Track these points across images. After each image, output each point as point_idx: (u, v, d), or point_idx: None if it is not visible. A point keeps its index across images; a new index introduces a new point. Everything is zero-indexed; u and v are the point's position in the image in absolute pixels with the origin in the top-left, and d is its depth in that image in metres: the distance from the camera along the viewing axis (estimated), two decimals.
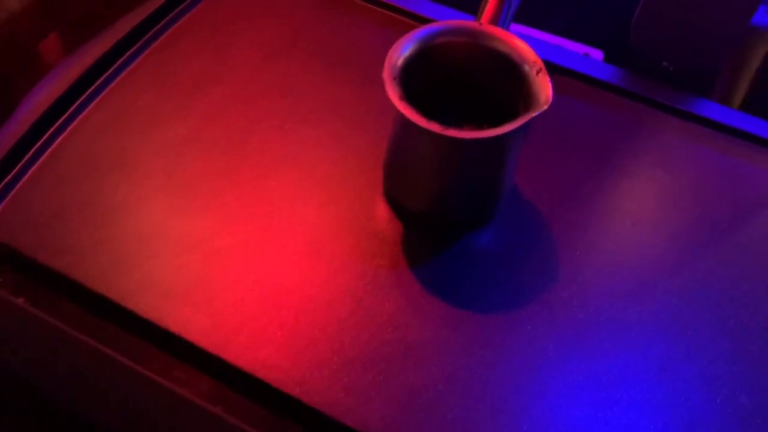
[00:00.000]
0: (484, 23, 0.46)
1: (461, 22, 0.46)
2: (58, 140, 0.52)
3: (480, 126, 0.49)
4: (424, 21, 0.62)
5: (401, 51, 0.43)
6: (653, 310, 0.47)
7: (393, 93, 0.42)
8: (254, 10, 0.61)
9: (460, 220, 0.49)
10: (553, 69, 0.60)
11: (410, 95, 0.45)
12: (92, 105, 0.54)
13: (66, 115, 0.53)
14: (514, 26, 0.82)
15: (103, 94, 0.55)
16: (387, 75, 0.43)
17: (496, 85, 0.47)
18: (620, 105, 0.58)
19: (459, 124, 0.49)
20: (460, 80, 0.48)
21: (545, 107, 0.42)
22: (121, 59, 0.56)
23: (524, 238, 0.50)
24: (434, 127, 0.41)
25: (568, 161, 0.54)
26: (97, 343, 0.45)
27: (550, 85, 0.42)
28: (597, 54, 0.80)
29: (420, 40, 0.44)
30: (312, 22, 0.61)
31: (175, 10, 0.60)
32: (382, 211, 0.50)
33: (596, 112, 0.58)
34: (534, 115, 0.41)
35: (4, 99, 0.56)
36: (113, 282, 0.46)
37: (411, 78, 0.45)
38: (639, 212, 0.52)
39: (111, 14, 0.64)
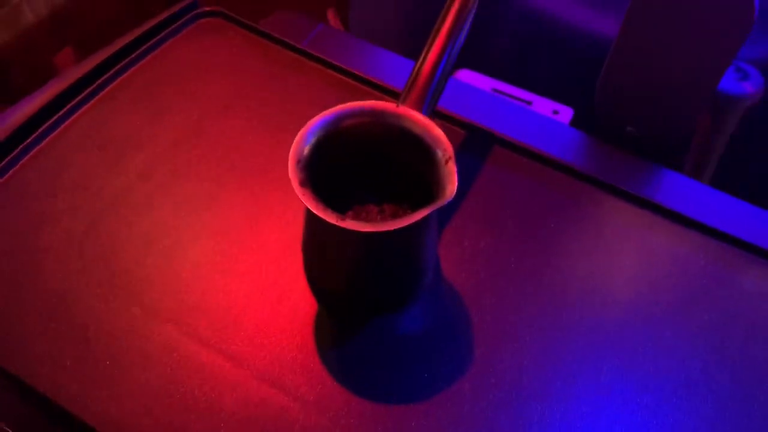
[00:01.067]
0: (401, 105, 0.45)
1: (374, 102, 0.44)
2: None
3: (401, 205, 0.48)
4: (378, 87, 0.61)
5: (306, 140, 0.42)
6: (575, 406, 0.45)
7: (294, 178, 0.41)
8: (198, 67, 0.61)
9: (376, 305, 0.47)
10: (502, 141, 0.58)
11: (323, 175, 0.43)
12: (22, 162, 0.54)
13: None
14: (489, 80, 0.80)
15: (34, 150, 0.55)
16: (291, 161, 0.41)
17: (413, 165, 0.45)
18: (566, 182, 0.56)
19: (379, 203, 0.48)
20: (378, 159, 0.46)
21: (448, 200, 0.40)
22: (55, 116, 0.56)
23: (443, 324, 0.48)
24: (330, 217, 0.39)
25: (501, 239, 0.52)
26: None
27: (455, 177, 0.41)
28: (566, 112, 0.78)
29: (326, 125, 0.43)
30: (256, 82, 0.60)
31: (112, 70, 0.59)
32: (300, 289, 0.49)
33: (540, 188, 0.56)
34: (435, 207, 0.40)
35: None
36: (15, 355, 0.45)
37: (324, 159, 0.44)
38: (571, 296, 0.50)
39: (121, 30, 0.64)
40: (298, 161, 0.42)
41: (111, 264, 0.49)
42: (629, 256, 0.53)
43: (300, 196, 0.40)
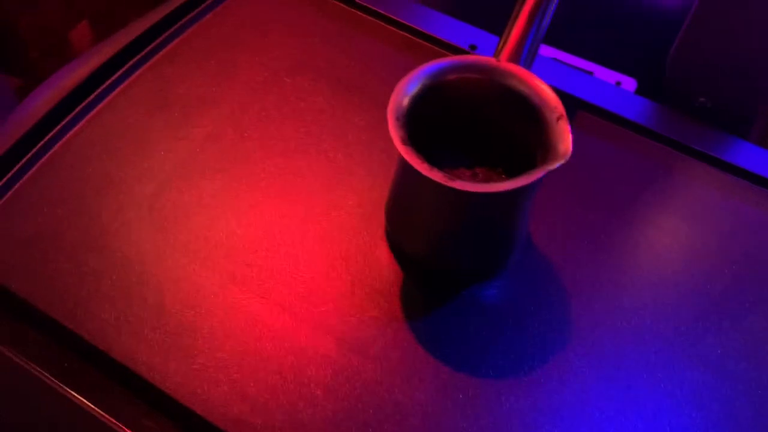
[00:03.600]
0: (502, 60, 0.42)
1: (476, 57, 0.42)
2: (44, 158, 0.49)
3: (494, 169, 0.45)
4: (444, 45, 0.58)
5: (407, 89, 0.39)
6: (670, 377, 0.43)
7: (396, 135, 0.38)
8: (261, 25, 0.58)
9: (466, 271, 0.45)
10: (578, 104, 0.56)
11: (418, 134, 0.41)
12: (84, 121, 0.51)
13: (54, 131, 0.50)
14: (548, 49, 0.77)
15: (96, 109, 0.52)
16: (390, 115, 0.39)
17: (513, 126, 0.43)
18: (648, 147, 0.54)
19: (470, 167, 0.45)
20: (474, 119, 0.44)
21: (563, 161, 0.37)
22: (118, 73, 0.53)
23: (535, 293, 0.46)
24: (437, 176, 0.37)
25: (587, 208, 0.50)
26: (65, 389, 0.41)
27: (570, 135, 0.38)
28: (630, 83, 0.75)
29: (429, 77, 0.40)
30: (321, 41, 0.57)
31: (177, 24, 0.56)
32: (382, 255, 0.46)
33: (621, 154, 0.53)
34: (549, 168, 0.37)
35: (35, 85, 0.54)
36: (87, 319, 0.43)
37: (420, 116, 0.41)
38: (661, 268, 0.48)
39: (135, 9, 0.61)
40: (398, 117, 0.39)
41: (183, 228, 0.46)
42: (716, 226, 0.50)
43: (403, 153, 0.38)
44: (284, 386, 0.41)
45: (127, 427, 0.41)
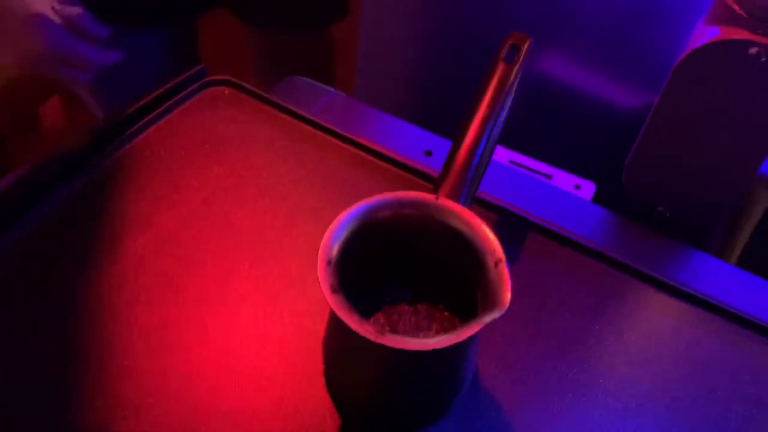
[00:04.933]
0: (441, 196, 0.40)
1: (413, 194, 0.40)
2: None
3: (436, 306, 0.43)
4: (394, 162, 0.57)
5: (338, 231, 0.37)
6: None
7: (325, 283, 0.36)
8: (205, 139, 0.56)
9: (408, 418, 0.42)
10: (530, 224, 0.54)
11: (356, 271, 0.39)
12: (9, 246, 0.49)
13: None
14: (506, 151, 0.77)
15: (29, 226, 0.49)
16: (321, 260, 0.36)
17: (453, 264, 0.41)
18: (600, 272, 0.52)
19: (412, 303, 0.43)
20: (413, 254, 0.42)
21: (501, 312, 0.35)
22: (54, 189, 0.51)
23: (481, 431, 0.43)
24: (367, 332, 0.34)
25: (535, 339, 0.47)
26: None
27: (509, 283, 0.36)
28: (589, 187, 0.74)
29: (362, 215, 0.39)
30: (267, 156, 0.56)
31: (120, 137, 0.55)
32: (319, 398, 0.43)
33: (572, 279, 0.51)
34: (486, 321, 0.35)
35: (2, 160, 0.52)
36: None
37: (356, 253, 0.39)
38: (610, 402, 0.45)
39: None
40: (329, 261, 0.37)
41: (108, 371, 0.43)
42: (678, 359, 0.48)
43: (332, 304, 0.35)
44: None
45: None
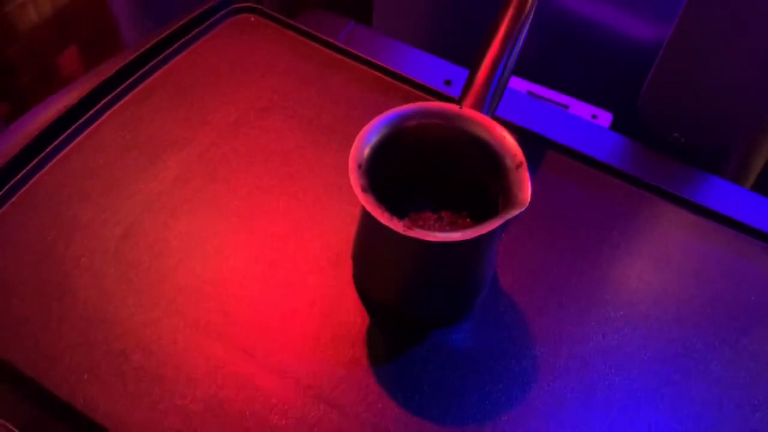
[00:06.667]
0: (465, 106, 0.42)
1: (438, 104, 0.42)
2: (11, 200, 0.49)
3: (459, 213, 0.45)
4: (417, 85, 0.58)
5: (368, 138, 0.40)
6: (639, 417, 0.42)
7: (356, 183, 0.38)
8: (232, 66, 0.58)
9: (432, 317, 0.45)
10: (550, 144, 0.56)
11: (382, 180, 0.41)
12: (51, 163, 0.51)
13: (21, 173, 0.50)
14: (523, 82, 0.78)
15: (64, 151, 0.52)
16: (352, 164, 0.39)
17: (475, 171, 0.43)
18: (618, 188, 0.54)
19: (436, 210, 0.45)
20: (438, 164, 0.44)
21: (521, 209, 0.37)
22: (86, 116, 0.53)
23: (502, 336, 0.46)
24: (395, 225, 0.37)
25: (555, 249, 0.50)
26: None
27: (529, 184, 0.38)
28: (606, 117, 0.75)
29: (390, 124, 0.40)
30: (294, 82, 0.58)
31: (147, 66, 0.57)
32: (349, 300, 0.46)
33: (591, 195, 0.53)
34: (508, 217, 0.37)
35: (22, 112, 0.54)
36: (49, 368, 0.42)
37: (383, 162, 0.41)
38: (629, 310, 0.48)
39: (129, 29, 0.61)
40: (359, 165, 0.39)
41: (149, 272, 0.46)
42: (685, 265, 0.50)
43: (363, 202, 0.38)
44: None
45: None
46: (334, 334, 0.45)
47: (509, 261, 0.49)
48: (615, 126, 0.73)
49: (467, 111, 0.42)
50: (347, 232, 0.48)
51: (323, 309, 0.46)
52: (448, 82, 0.70)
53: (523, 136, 0.57)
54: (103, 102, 0.55)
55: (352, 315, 0.45)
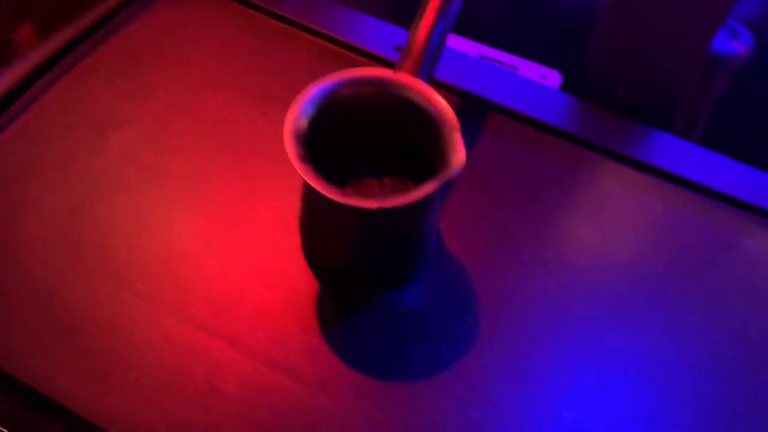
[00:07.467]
0: (404, 72, 0.43)
1: (371, 70, 0.42)
2: None
3: (402, 178, 0.46)
4: (364, 53, 0.59)
5: (304, 106, 0.40)
6: (573, 370, 0.44)
7: (292, 153, 0.39)
8: (176, 40, 0.58)
9: (378, 282, 0.46)
10: (495, 106, 0.57)
11: (324, 148, 0.41)
12: None
13: None
14: (474, 45, 0.78)
15: (8, 129, 0.52)
16: (287, 133, 0.39)
17: (413, 137, 0.44)
18: (562, 147, 0.55)
19: (379, 177, 0.46)
20: (377, 131, 0.45)
21: (456, 172, 0.38)
22: (28, 94, 0.53)
23: (449, 295, 0.47)
24: (333, 193, 0.37)
25: (500, 208, 0.51)
26: None
27: (463, 147, 0.39)
28: (555, 76, 0.76)
29: (326, 92, 0.41)
30: (240, 54, 0.58)
31: (89, 40, 0.56)
32: (297, 267, 0.47)
33: (536, 155, 0.54)
34: (443, 180, 0.38)
35: None
36: None
37: (322, 130, 0.42)
38: (571, 263, 0.49)
39: (83, 5, 0.60)
40: (296, 134, 0.40)
41: (99, 250, 0.47)
42: (628, 220, 0.52)
43: (300, 172, 0.38)
44: (200, 402, 0.42)
45: None
46: (285, 301, 0.46)
47: (453, 222, 0.50)
48: (564, 86, 0.74)
49: (401, 76, 0.42)
50: (296, 201, 0.49)
51: (273, 278, 0.47)
52: (398, 48, 0.70)
53: (468, 99, 0.58)
54: (46, 79, 0.54)
55: (303, 282, 0.47)
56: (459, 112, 0.56)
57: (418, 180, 0.45)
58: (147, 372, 0.42)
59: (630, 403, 0.43)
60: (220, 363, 0.43)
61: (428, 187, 0.38)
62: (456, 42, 0.77)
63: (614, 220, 0.52)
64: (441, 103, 0.41)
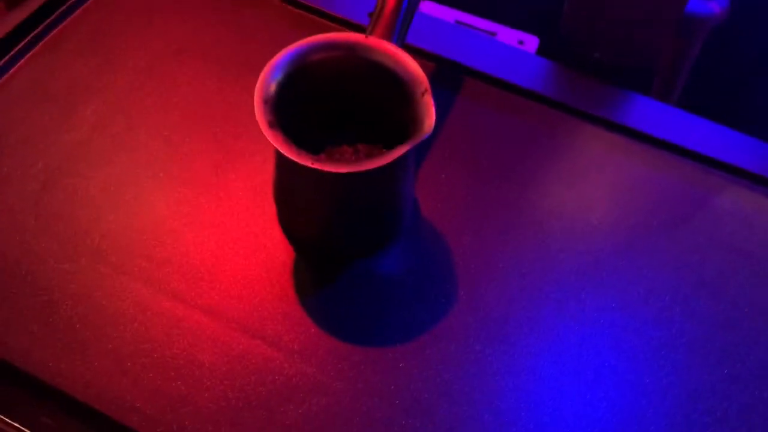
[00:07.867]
0: (375, 35, 0.42)
1: (341, 34, 0.42)
2: None
3: (375, 145, 0.46)
4: (337, 19, 0.58)
5: (274, 72, 0.40)
6: (554, 336, 0.45)
7: (262, 119, 0.38)
8: (144, 10, 0.57)
9: (354, 248, 0.46)
10: (470, 73, 0.57)
11: (296, 115, 0.41)
12: None
13: None
14: (451, 11, 0.78)
15: None
16: (258, 100, 0.39)
17: (385, 102, 0.43)
18: (539, 111, 0.55)
19: (353, 144, 0.46)
20: (348, 96, 0.44)
21: (426, 135, 0.38)
22: None
23: (426, 261, 0.47)
24: (303, 159, 0.37)
25: (475, 174, 0.51)
26: None
27: (433, 110, 0.39)
28: (532, 41, 0.76)
29: (295, 58, 0.40)
30: (208, 23, 0.57)
31: (56, 13, 0.55)
32: (273, 236, 0.47)
33: (509, 120, 0.54)
34: (414, 144, 0.38)
35: None
36: None
37: (293, 96, 0.41)
38: (546, 226, 0.49)
39: None
40: (265, 101, 0.39)
41: (71, 222, 0.46)
42: (605, 183, 0.52)
43: (269, 138, 0.38)
44: (178, 372, 0.42)
45: (24, 427, 0.41)
46: (261, 270, 0.46)
47: (430, 189, 0.50)
48: (541, 50, 0.74)
49: (372, 40, 0.42)
50: (270, 169, 0.48)
51: (249, 247, 0.46)
52: (372, 14, 0.69)
53: (444, 65, 0.57)
54: (12, 53, 0.53)
55: (278, 250, 0.46)
56: (435, 78, 0.56)
57: (392, 147, 0.45)
58: (124, 343, 0.42)
59: (607, 360, 0.44)
60: (197, 332, 0.43)
61: (399, 150, 0.38)
62: (432, 8, 0.76)
63: (592, 182, 0.52)
64: (412, 65, 0.40)
